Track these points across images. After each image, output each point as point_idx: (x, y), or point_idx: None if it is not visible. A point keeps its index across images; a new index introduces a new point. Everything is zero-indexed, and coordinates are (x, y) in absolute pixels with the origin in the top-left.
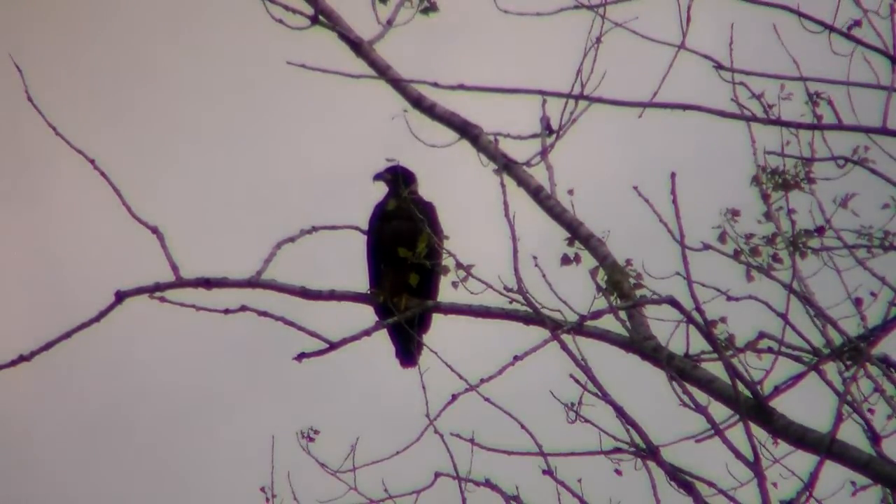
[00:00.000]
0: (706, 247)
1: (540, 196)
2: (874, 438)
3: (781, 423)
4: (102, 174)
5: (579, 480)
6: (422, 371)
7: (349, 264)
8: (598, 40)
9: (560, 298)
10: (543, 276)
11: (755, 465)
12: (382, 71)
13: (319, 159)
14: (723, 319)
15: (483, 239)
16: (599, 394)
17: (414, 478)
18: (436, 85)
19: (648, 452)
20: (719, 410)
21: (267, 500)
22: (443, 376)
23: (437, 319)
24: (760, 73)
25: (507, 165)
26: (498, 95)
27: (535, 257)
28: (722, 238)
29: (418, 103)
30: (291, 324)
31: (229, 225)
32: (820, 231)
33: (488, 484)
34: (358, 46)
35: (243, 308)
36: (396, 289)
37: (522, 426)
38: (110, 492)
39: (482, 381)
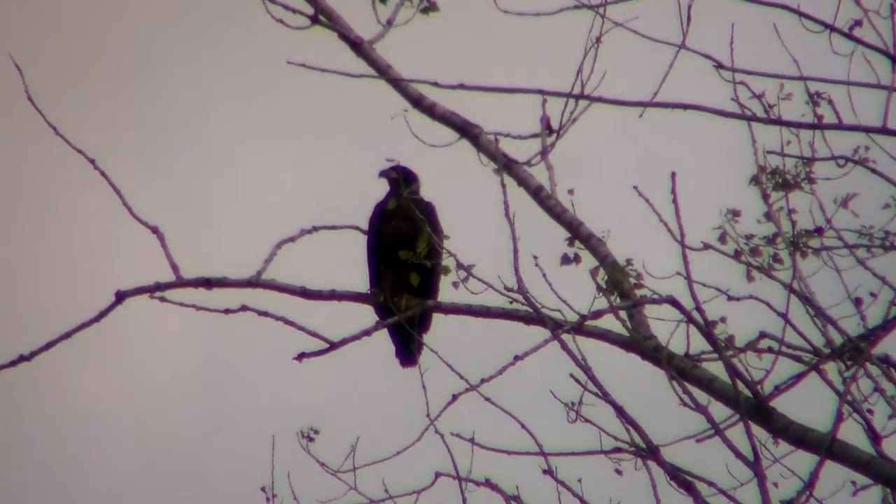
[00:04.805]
0: (706, 247)
1: (540, 196)
2: (874, 438)
3: (781, 423)
4: (102, 174)
5: (579, 480)
6: (422, 371)
7: (349, 264)
8: (598, 40)
9: (560, 298)
10: (543, 275)
11: (755, 465)
12: (382, 70)
13: (319, 159)
14: (723, 319)
15: (483, 239)
16: (599, 394)
17: (414, 478)
18: (436, 85)
19: (648, 452)
20: (719, 410)
21: (267, 500)
22: (443, 376)
23: (438, 319)
24: (761, 73)
25: (507, 165)
26: (498, 95)
27: (535, 257)
28: (722, 238)
29: (418, 103)
30: (291, 324)
31: (229, 225)
32: (820, 231)
33: (488, 484)
34: (358, 46)
35: (243, 308)
36: (396, 289)
37: (522, 426)
38: (110, 492)
39: (482, 381)
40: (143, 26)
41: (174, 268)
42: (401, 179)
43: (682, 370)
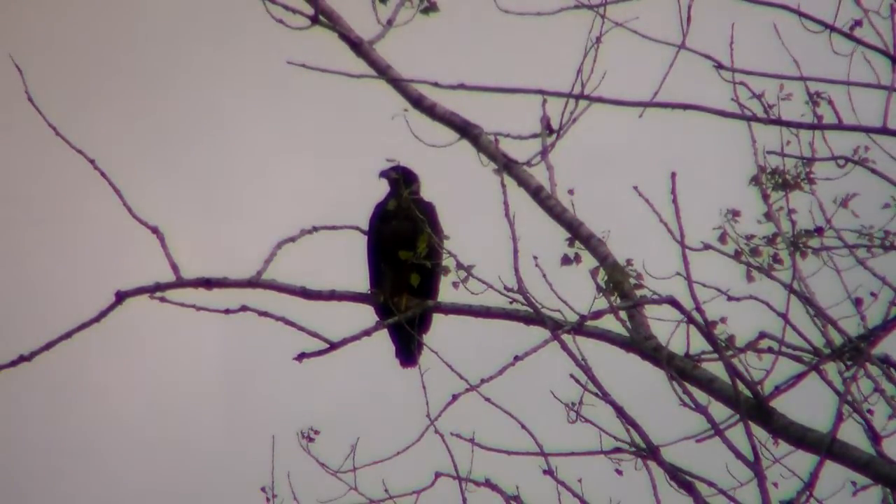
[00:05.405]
0: (706, 247)
1: (540, 196)
2: (874, 438)
3: (781, 423)
4: (102, 174)
5: (579, 480)
6: (422, 371)
7: (349, 264)
8: (598, 40)
9: (560, 298)
10: (544, 276)
11: (755, 465)
12: (382, 71)
13: (319, 159)
14: (723, 319)
15: (483, 239)
16: (599, 394)
17: (414, 478)
18: (436, 85)
19: (648, 452)
20: (719, 410)
21: (267, 500)
22: (443, 376)
23: (438, 319)
24: (761, 73)
25: (507, 165)
26: (498, 95)
27: (535, 257)
28: (722, 238)
29: (419, 103)
30: (291, 324)
31: (229, 225)
32: (820, 231)
33: (488, 484)
34: (358, 46)
35: (243, 308)
36: (397, 289)
37: (522, 426)
38: (109, 491)
39: (482, 381)
40: (143, 27)
41: (174, 268)
42: (401, 179)
43: (682, 370)
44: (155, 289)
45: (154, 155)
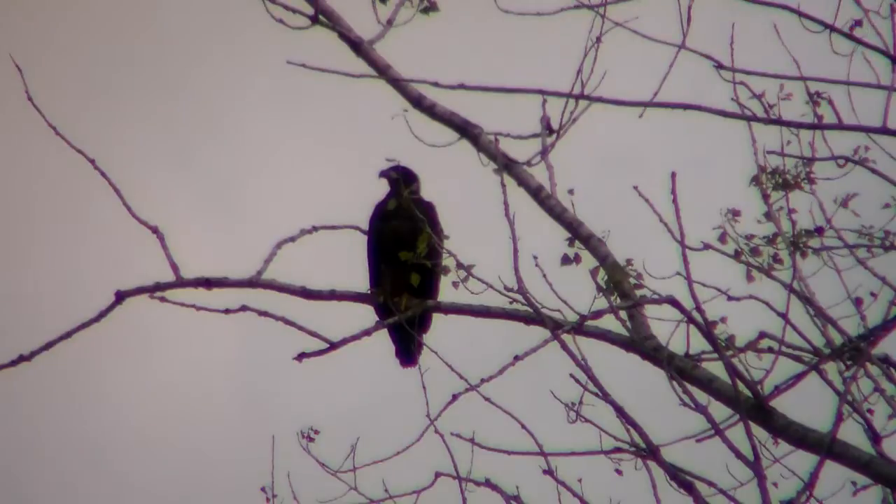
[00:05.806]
0: (706, 247)
1: (540, 196)
2: (874, 438)
3: (781, 423)
4: (102, 174)
5: (579, 480)
6: (422, 371)
7: (349, 264)
8: (598, 40)
9: (560, 298)
10: (544, 276)
11: (755, 465)
12: (382, 70)
13: (319, 159)
14: (723, 319)
15: (483, 239)
16: (600, 394)
17: (414, 478)
18: (436, 85)
19: (648, 452)
20: (719, 410)
21: (267, 500)
22: (443, 376)
23: (438, 319)
24: (761, 73)
25: (507, 165)
26: (498, 95)
27: (535, 257)
28: (722, 238)
29: (418, 103)
30: (291, 324)
31: (229, 225)
32: (820, 231)
33: (488, 484)
34: (358, 46)
35: (243, 308)
36: (397, 289)
37: (522, 426)
38: (108, 492)
39: (482, 381)
40: (143, 28)
41: (174, 268)
42: (401, 179)
43: (682, 370)
44: (155, 289)
45: (155, 155)
